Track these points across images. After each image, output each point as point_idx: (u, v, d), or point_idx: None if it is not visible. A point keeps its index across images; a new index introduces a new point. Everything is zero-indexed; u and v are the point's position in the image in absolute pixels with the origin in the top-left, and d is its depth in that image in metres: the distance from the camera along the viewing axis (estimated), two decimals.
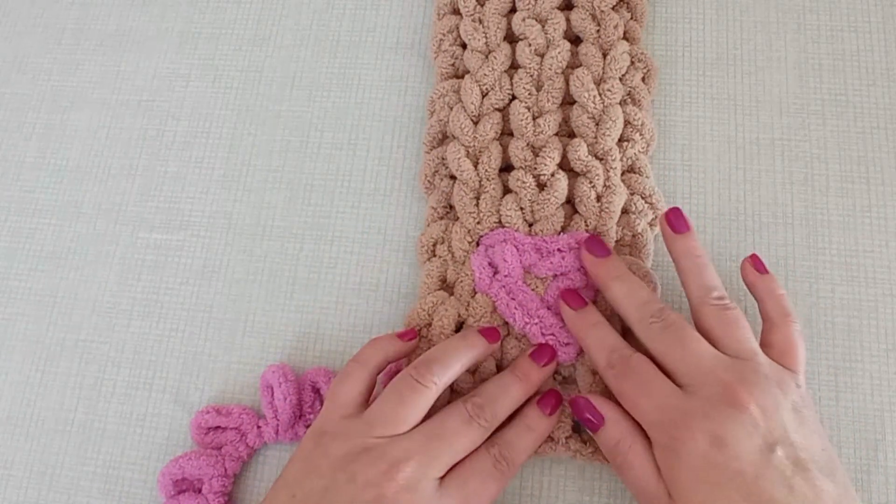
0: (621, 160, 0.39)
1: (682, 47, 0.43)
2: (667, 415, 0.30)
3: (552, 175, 0.38)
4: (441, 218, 0.39)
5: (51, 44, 0.48)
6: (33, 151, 0.45)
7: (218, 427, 0.38)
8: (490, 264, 0.37)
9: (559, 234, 0.37)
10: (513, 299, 0.36)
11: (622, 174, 0.39)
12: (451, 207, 0.40)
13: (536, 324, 0.35)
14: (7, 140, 0.46)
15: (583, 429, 0.35)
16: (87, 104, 0.46)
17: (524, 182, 0.38)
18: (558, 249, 0.36)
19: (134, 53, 0.47)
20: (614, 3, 0.41)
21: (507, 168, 0.40)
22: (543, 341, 0.35)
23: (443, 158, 0.40)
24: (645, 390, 0.31)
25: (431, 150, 0.41)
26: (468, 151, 0.39)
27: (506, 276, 0.36)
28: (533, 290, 0.36)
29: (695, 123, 0.42)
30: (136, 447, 0.39)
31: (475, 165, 0.39)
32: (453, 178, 0.40)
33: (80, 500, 0.38)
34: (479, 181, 0.38)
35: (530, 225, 0.38)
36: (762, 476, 0.28)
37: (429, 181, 0.40)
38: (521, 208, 0.37)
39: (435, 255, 0.39)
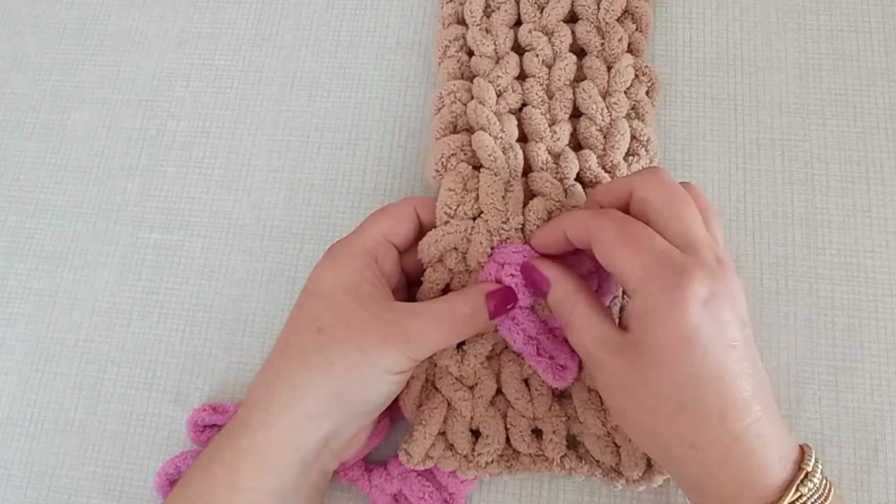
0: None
1: (682, 47, 0.43)
2: (665, 261, 0.29)
3: (571, 185, 0.37)
4: (458, 205, 0.36)
5: (51, 44, 0.48)
6: (33, 151, 0.45)
7: (214, 425, 0.38)
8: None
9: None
10: (517, 325, 0.35)
11: None
12: (468, 193, 0.36)
13: (534, 345, 0.35)
14: (7, 140, 0.46)
15: (577, 445, 0.35)
16: (87, 104, 0.46)
17: (552, 183, 0.36)
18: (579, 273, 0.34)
19: (134, 53, 0.47)
20: (619, 15, 0.41)
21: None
22: (539, 361, 0.35)
23: (461, 145, 0.38)
24: (646, 236, 0.30)
25: (443, 137, 0.39)
26: (496, 142, 0.37)
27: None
28: (540, 313, 0.35)
29: (695, 123, 0.42)
30: (136, 447, 0.39)
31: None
32: (475, 168, 0.37)
33: (80, 500, 0.38)
34: (508, 177, 0.36)
35: None
36: (736, 348, 0.28)
37: (442, 164, 0.37)
38: (549, 211, 0.36)
39: (441, 262, 0.36)
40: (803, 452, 0.29)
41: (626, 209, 0.32)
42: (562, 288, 0.32)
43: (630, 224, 0.30)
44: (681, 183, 0.32)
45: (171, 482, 0.36)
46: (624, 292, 0.36)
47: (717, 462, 0.28)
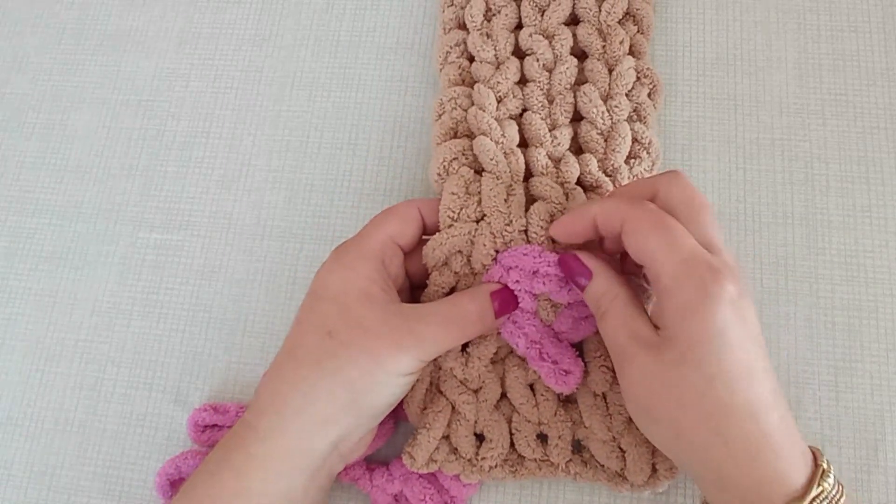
0: (629, 178, 0.38)
1: (682, 47, 0.43)
2: (700, 259, 0.29)
3: (572, 189, 0.37)
4: (461, 208, 0.36)
5: (51, 44, 0.48)
6: (33, 151, 0.45)
7: (214, 425, 0.38)
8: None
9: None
10: (519, 328, 0.34)
11: None
12: (471, 196, 0.36)
13: (537, 349, 0.34)
14: (7, 140, 0.46)
15: (582, 450, 0.35)
16: (87, 104, 0.46)
17: (552, 187, 0.36)
18: None
19: (134, 53, 0.47)
20: (620, 17, 0.41)
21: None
22: (541, 365, 0.34)
23: (463, 150, 0.37)
24: (683, 231, 0.30)
25: (444, 142, 0.38)
26: (498, 147, 0.37)
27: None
28: (544, 318, 0.35)
29: (695, 123, 0.42)
30: (136, 447, 0.39)
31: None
32: (477, 172, 0.37)
33: (80, 500, 0.38)
34: (510, 181, 0.36)
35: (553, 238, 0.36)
36: (762, 346, 0.29)
37: (444, 168, 0.37)
38: (551, 214, 0.35)
39: (446, 265, 0.36)
40: (813, 451, 0.30)
41: None
42: (604, 279, 0.32)
43: (666, 216, 0.30)
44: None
45: (171, 482, 0.36)
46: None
47: (748, 459, 0.28)
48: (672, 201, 0.31)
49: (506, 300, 0.34)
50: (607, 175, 0.38)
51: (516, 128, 0.39)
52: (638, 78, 0.40)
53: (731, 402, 0.28)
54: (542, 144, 0.38)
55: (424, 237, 0.36)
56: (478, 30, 0.41)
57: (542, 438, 0.35)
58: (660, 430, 0.30)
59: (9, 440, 0.40)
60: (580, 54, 0.41)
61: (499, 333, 0.35)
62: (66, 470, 0.39)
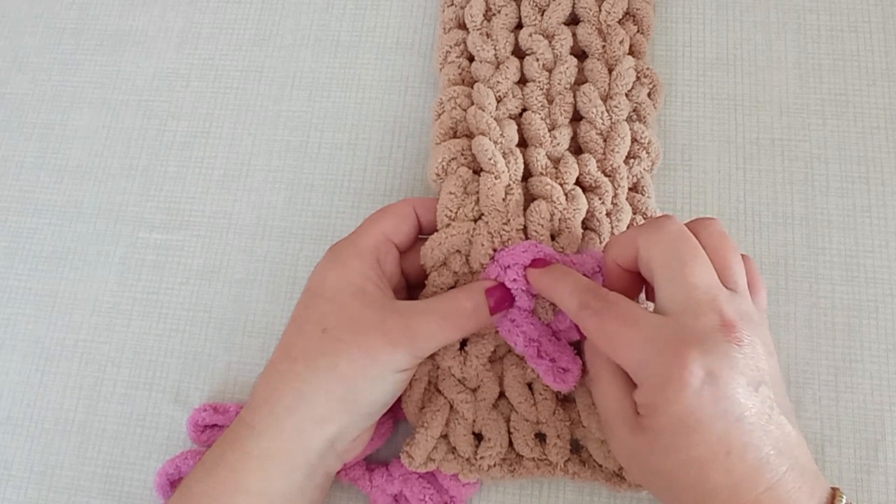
0: (628, 178, 0.38)
1: (682, 47, 0.43)
2: (657, 346, 0.28)
3: (572, 189, 0.37)
4: (459, 207, 0.36)
5: (51, 44, 0.48)
6: (33, 151, 0.45)
7: (215, 425, 0.38)
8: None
9: (577, 252, 0.36)
10: (517, 327, 0.34)
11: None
12: (469, 196, 0.36)
13: (535, 347, 0.34)
14: (7, 140, 0.46)
15: (581, 450, 0.35)
16: (87, 104, 0.46)
17: (553, 186, 0.36)
18: (583, 274, 0.34)
19: (134, 53, 0.47)
20: (620, 17, 0.41)
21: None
22: (539, 363, 0.34)
23: (461, 150, 0.37)
24: (629, 324, 0.29)
25: (443, 142, 0.38)
26: (496, 147, 0.37)
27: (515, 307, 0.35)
28: (542, 317, 0.35)
29: (695, 123, 0.42)
30: (136, 447, 0.39)
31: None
32: (475, 172, 0.37)
33: (80, 500, 0.38)
34: (508, 181, 0.36)
35: (553, 237, 0.36)
36: (744, 418, 0.27)
37: (443, 167, 0.37)
38: (551, 214, 0.36)
39: (444, 265, 0.36)
40: (833, 498, 0.28)
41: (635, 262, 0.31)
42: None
43: (607, 318, 0.29)
44: (703, 219, 0.31)
45: (171, 482, 0.36)
46: None
47: None
48: (650, 262, 0.30)
49: (502, 297, 0.34)
50: (606, 175, 0.38)
51: (515, 127, 0.39)
52: (638, 78, 0.40)
53: (707, 483, 0.27)
54: (541, 144, 0.38)
55: (422, 237, 0.36)
56: (478, 29, 0.41)
57: (541, 438, 0.35)
58: (651, 490, 0.32)
59: (9, 440, 0.40)
60: (580, 54, 0.41)
61: (497, 332, 0.35)
62: (66, 470, 0.39)
